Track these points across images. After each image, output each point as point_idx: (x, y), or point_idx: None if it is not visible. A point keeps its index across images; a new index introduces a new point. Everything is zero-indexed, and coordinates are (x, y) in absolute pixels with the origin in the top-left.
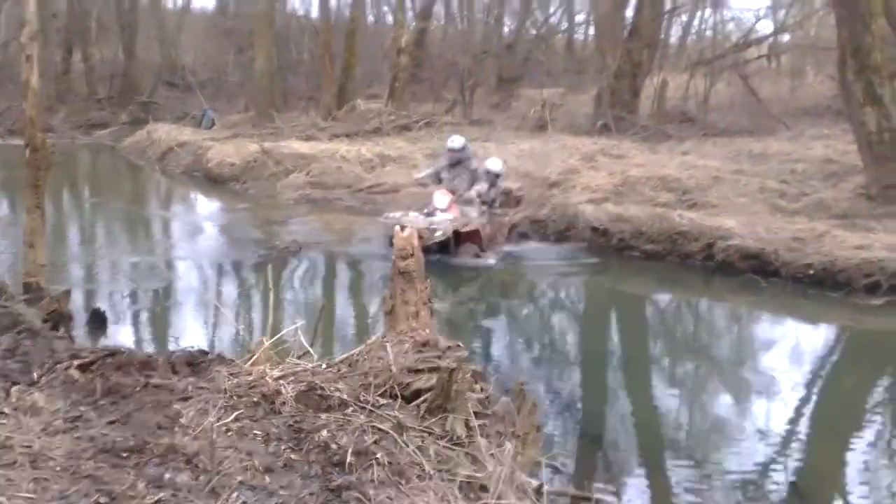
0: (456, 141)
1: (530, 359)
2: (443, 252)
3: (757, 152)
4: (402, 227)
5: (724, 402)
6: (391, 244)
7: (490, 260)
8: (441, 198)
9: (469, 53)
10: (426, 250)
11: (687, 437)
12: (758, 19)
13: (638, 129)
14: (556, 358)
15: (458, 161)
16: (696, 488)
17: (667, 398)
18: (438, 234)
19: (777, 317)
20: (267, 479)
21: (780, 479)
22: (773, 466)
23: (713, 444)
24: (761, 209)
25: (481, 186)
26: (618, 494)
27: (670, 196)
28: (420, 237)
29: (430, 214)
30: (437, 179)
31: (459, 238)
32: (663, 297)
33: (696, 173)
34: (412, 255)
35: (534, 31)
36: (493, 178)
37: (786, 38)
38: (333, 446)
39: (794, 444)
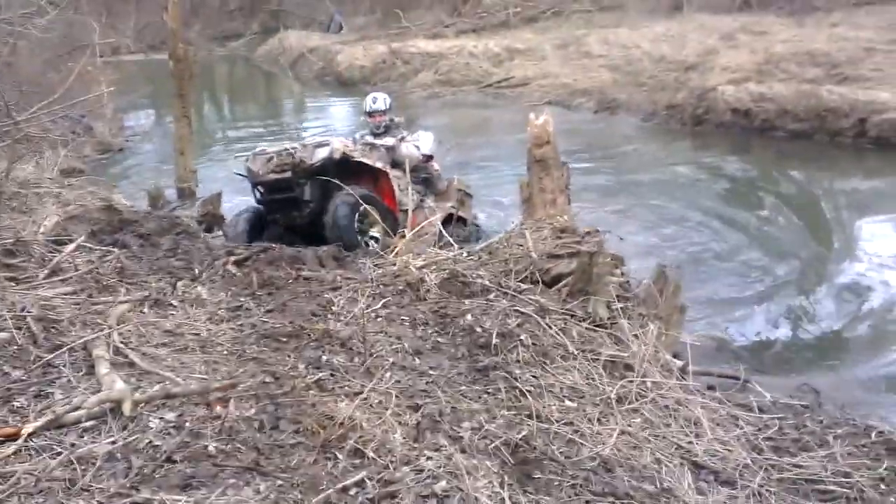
0: (378, 100)
1: (674, 244)
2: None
3: None
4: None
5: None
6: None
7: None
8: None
9: None
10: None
11: (838, 325)
12: None
13: (782, 3)
14: (703, 241)
15: (384, 129)
16: (846, 360)
17: (822, 284)
18: (323, 151)
19: None
20: (417, 360)
21: None
22: None
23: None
24: None
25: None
26: (765, 374)
27: (818, 71)
28: (296, 165)
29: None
30: None
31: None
32: (813, 179)
33: (847, 45)
34: (548, 142)
35: None
36: (426, 160)
37: None
38: (478, 329)
39: None
